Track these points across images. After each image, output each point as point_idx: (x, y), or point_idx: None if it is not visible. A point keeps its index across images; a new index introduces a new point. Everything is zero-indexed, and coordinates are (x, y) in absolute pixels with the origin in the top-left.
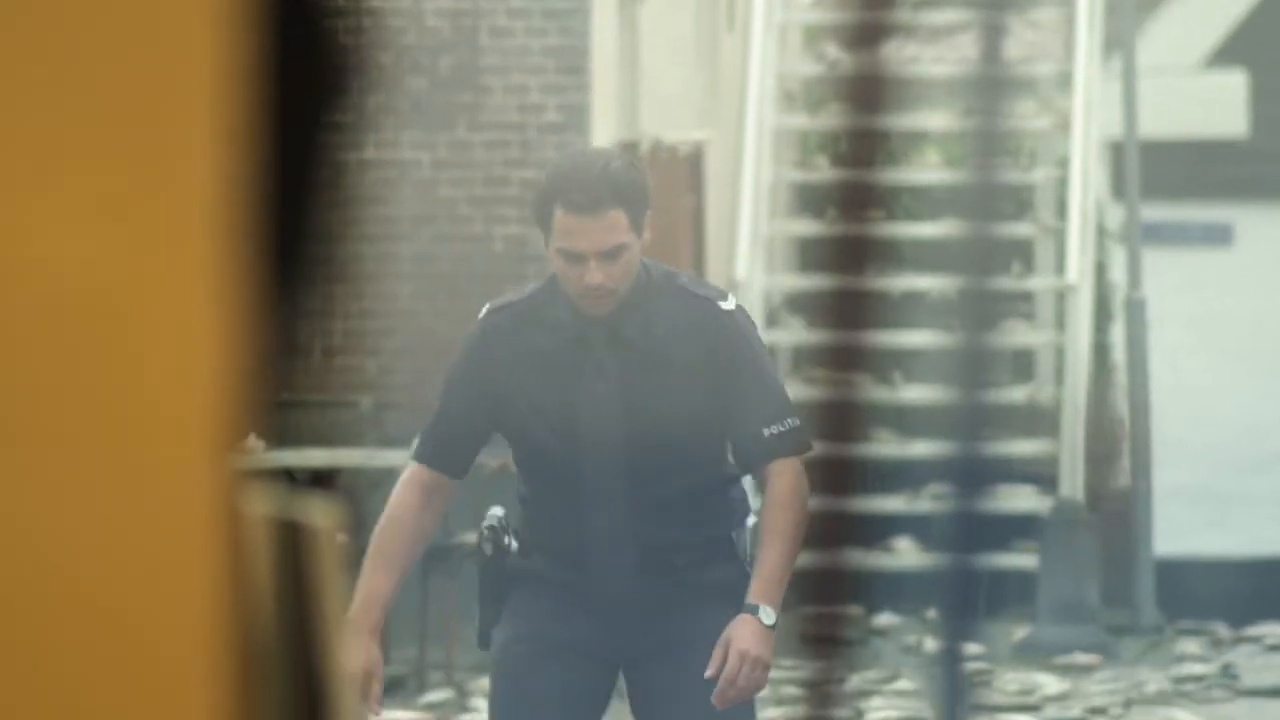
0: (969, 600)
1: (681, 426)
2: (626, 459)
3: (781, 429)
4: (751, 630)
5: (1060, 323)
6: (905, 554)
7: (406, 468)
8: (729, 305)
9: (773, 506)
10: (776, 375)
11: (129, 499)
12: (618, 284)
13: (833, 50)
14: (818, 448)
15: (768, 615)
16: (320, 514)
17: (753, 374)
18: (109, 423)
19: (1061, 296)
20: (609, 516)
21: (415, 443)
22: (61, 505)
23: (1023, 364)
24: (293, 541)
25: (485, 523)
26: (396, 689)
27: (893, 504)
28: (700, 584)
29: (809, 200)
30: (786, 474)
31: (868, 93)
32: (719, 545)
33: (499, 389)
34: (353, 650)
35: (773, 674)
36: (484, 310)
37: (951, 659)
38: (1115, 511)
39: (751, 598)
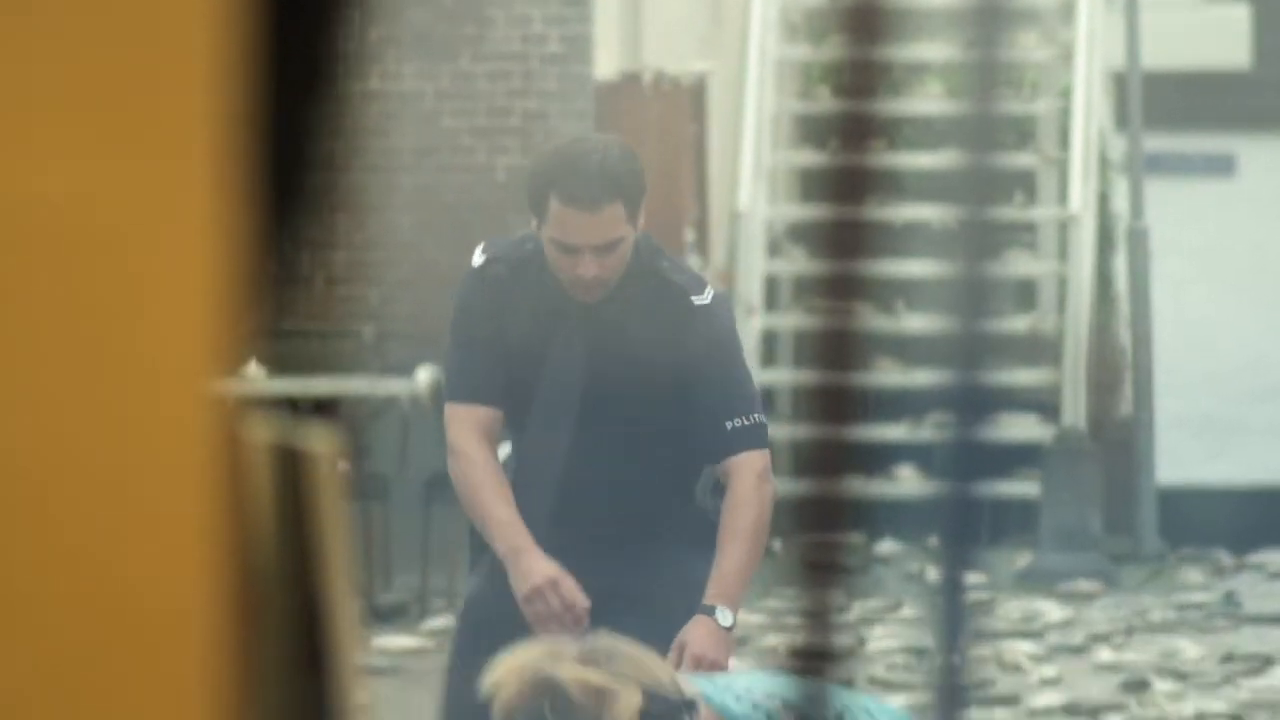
0: (971, 528)
1: (639, 415)
2: (579, 439)
3: (745, 423)
4: (707, 632)
5: (1063, 253)
6: (907, 482)
7: (449, 415)
8: (703, 299)
9: (733, 505)
10: (745, 369)
11: (127, 427)
12: (611, 275)
13: None
14: (822, 376)
15: (725, 616)
16: (320, 441)
17: (718, 368)
18: (108, 352)
19: (1064, 226)
20: (563, 493)
21: (444, 386)
22: (60, 437)
23: (1025, 293)
24: (293, 468)
25: None
26: (398, 616)
27: (895, 432)
28: (660, 554)
29: (811, 131)
30: (748, 472)
31: (869, 23)
32: (677, 528)
33: (495, 337)
34: (532, 568)
35: (774, 603)
36: (480, 255)
37: (953, 587)
38: (1117, 440)
39: (708, 598)
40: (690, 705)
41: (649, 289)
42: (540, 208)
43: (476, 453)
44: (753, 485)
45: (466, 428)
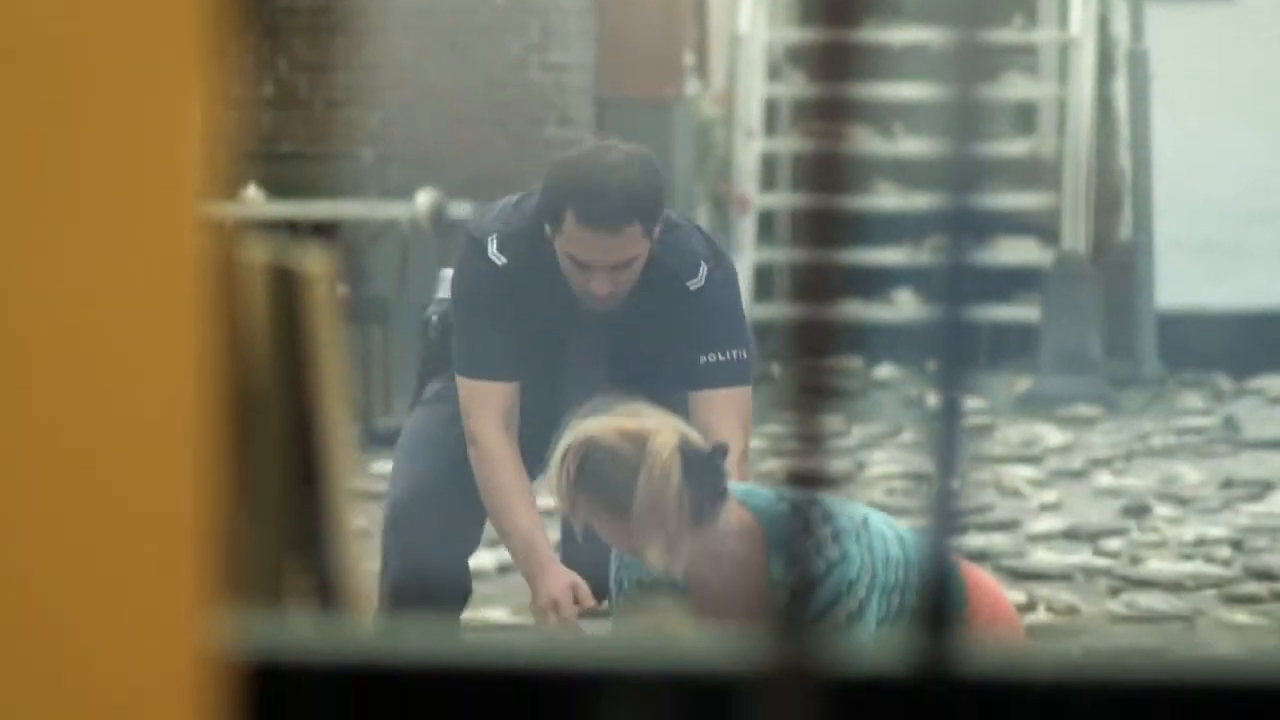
0: (969, 353)
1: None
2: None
3: (721, 357)
4: None
5: (1063, 75)
6: (905, 306)
7: (466, 392)
8: (697, 281)
9: None
10: (736, 322)
11: (120, 249)
12: (624, 289)
13: None
14: (819, 199)
15: None
16: (317, 262)
17: (707, 320)
18: (97, 170)
19: (1064, 49)
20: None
21: (459, 360)
22: (51, 258)
23: (1025, 117)
24: (289, 289)
25: (434, 305)
26: (393, 441)
27: (893, 256)
28: None
29: None
30: (728, 434)
31: None
32: None
33: (510, 316)
34: (549, 581)
35: (773, 428)
36: (496, 253)
37: (952, 412)
38: (1117, 264)
39: None
40: (722, 449)
41: (648, 278)
42: (555, 220)
43: (496, 444)
44: (733, 460)
45: (487, 413)
